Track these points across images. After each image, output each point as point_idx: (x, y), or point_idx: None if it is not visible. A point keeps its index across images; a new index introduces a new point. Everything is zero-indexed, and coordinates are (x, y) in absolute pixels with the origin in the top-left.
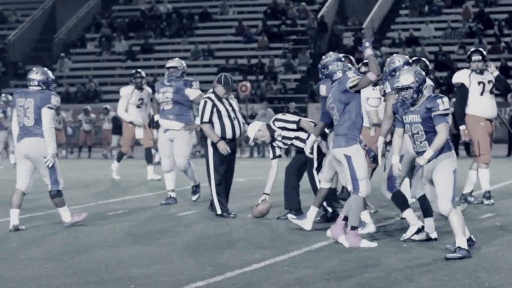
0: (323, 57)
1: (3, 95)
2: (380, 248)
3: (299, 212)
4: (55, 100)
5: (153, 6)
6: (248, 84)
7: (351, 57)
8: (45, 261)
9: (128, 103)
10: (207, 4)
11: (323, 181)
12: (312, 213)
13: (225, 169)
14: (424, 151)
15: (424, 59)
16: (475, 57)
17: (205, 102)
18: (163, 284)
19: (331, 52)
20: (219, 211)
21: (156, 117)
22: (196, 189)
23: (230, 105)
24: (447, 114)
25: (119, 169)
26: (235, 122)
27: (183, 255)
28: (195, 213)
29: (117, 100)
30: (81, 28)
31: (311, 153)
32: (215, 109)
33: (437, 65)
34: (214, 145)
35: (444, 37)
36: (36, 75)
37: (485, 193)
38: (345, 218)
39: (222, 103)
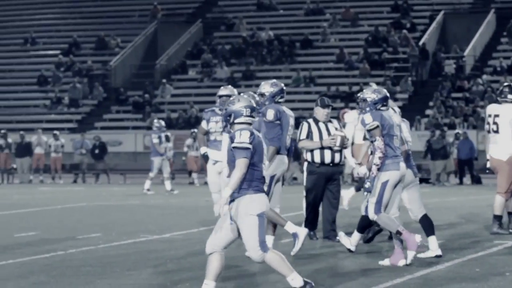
0: (270, 86)
1: (155, 120)
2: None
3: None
4: None
5: (255, 32)
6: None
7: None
8: None
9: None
10: (308, 31)
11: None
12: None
13: (322, 193)
14: None
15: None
16: None
17: (302, 124)
18: None
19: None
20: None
21: (203, 150)
22: None
23: (327, 129)
24: (244, 149)
25: None
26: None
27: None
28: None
29: None
30: (183, 54)
31: None
32: (311, 133)
33: None
34: (307, 170)
35: None
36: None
37: None
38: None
39: (318, 127)
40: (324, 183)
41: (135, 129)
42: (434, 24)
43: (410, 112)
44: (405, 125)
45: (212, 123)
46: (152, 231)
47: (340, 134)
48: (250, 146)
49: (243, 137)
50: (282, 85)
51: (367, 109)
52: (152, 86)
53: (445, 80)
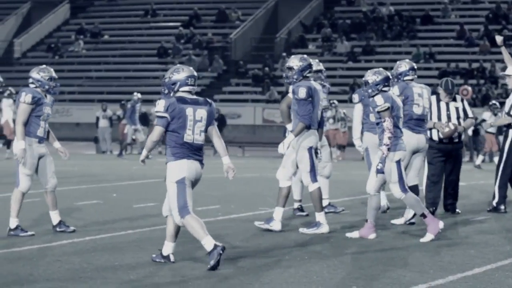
0: (299, 60)
1: None
2: None
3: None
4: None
5: (375, 8)
6: (469, 88)
7: None
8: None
9: None
10: (429, 7)
11: (283, 180)
12: (278, 213)
13: (442, 169)
14: None
15: None
16: None
17: None
18: (385, 285)
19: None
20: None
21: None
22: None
23: (447, 109)
24: (159, 117)
25: None
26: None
27: (405, 257)
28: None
29: (341, 101)
30: (303, 28)
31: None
32: (430, 110)
33: None
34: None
35: None
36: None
37: None
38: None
39: (439, 106)
40: (444, 159)
41: (254, 102)
42: None
43: None
44: (426, 92)
45: None
46: (270, 204)
47: (451, 128)
48: (164, 114)
49: (158, 106)
50: (310, 60)
51: (369, 91)
52: (272, 59)
53: None
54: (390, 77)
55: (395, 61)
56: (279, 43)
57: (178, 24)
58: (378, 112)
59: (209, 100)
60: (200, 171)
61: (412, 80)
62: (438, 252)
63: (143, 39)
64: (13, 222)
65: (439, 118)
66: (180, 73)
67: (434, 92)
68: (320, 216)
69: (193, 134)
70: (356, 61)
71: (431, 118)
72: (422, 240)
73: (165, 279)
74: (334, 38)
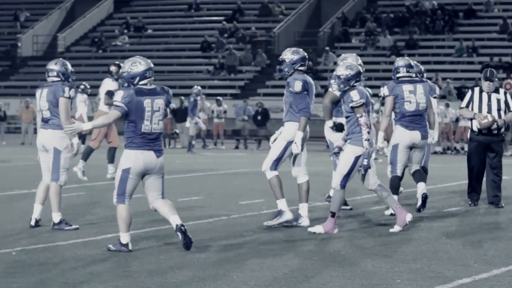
0: (292, 53)
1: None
2: None
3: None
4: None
5: (418, 2)
6: None
7: None
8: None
9: None
10: (472, 1)
11: (300, 176)
12: (304, 209)
13: (483, 161)
14: None
15: None
16: None
17: (469, 91)
18: (429, 279)
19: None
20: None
21: (331, 123)
22: None
23: (489, 100)
24: (117, 106)
25: None
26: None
27: (449, 251)
28: (459, 209)
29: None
30: (343, 20)
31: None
32: (472, 102)
33: None
34: (469, 136)
35: None
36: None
37: None
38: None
39: (481, 97)
40: (484, 151)
41: None
42: None
43: None
44: (422, 87)
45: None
46: (315, 198)
47: (489, 119)
48: (120, 104)
49: (117, 96)
50: (305, 54)
51: (341, 86)
52: (315, 53)
53: None
54: (362, 71)
55: (438, 55)
56: (322, 37)
57: (222, 18)
58: (352, 107)
59: (166, 88)
60: (156, 160)
61: (406, 77)
62: (482, 246)
63: (187, 33)
64: (56, 217)
65: (480, 109)
66: (138, 67)
67: (477, 85)
68: (281, 203)
69: (151, 124)
70: (399, 55)
71: (472, 109)
72: (310, 229)
73: (209, 272)
74: (377, 32)
